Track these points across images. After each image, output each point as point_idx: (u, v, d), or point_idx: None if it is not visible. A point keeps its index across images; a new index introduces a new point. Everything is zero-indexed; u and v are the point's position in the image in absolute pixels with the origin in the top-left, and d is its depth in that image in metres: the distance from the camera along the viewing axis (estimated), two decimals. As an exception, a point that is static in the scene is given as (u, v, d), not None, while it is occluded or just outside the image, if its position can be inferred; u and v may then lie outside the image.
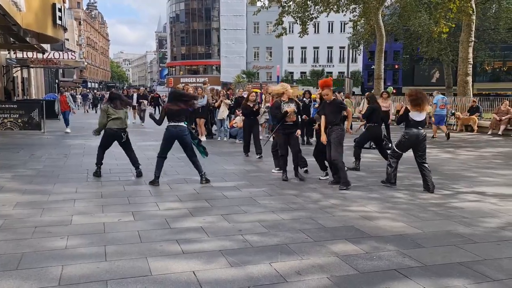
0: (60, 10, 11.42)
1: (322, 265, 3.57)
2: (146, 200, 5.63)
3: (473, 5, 19.43)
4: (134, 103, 17.77)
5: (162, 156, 6.63)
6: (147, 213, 5.03)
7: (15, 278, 3.21)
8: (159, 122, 6.69)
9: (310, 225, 4.66)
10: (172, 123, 6.49)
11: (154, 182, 6.55)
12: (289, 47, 54.88)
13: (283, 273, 3.38)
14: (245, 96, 12.34)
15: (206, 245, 3.98)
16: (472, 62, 20.42)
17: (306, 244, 4.05)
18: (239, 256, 3.71)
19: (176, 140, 6.57)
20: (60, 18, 11.42)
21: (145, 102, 18.75)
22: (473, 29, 19.89)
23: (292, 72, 55.61)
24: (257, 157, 9.27)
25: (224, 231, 4.39)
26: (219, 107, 12.45)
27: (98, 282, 3.17)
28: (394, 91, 25.95)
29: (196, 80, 58.04)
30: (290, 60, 56.49)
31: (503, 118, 15.43)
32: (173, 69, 65.71)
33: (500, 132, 15.27)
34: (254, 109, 9.55)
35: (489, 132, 15.71)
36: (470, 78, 20.10)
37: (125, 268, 3.43)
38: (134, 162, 7.21)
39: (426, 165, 6.45)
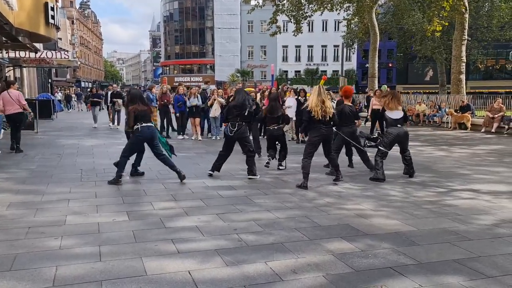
0: (52, 9, 11.32)
1: (318, 263, 3.57)
2: (141, 200, 5.60)
3: (466, 4, 19.54)
4: (108, 102, 16.25)
5: (127, 156, 6.58)
6: (142, 212, 5.01)
7: (9, 279, 3.18)
8: (131, 128, 6.49)
9: (306, 223, 4.66)
10: (145, 124, 6.41)
11: (118, 182, 6.41)
12: (283, 46, 54.90)
13: (278, 272, 3.38)
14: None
15: (201, 245, 3.96)
16: (465, 60, 20.54)
17: (302, 243, 4.05)
18: (234, 255, 3.70)
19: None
20: (53, 17, 11.32)
21: (120, 101, 15.13)
22: (466, 27, 20.00)
23: (287, 71, 55.63)
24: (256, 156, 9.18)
25: (220, 230, 4.38)
26: (211, 105, 12.41)
27: (92, 282, 3.15)
28: (388, 90, 26.03)
29: (190, 79, 57.93)
30: (285, 58, 56.50)
31: (496, 116, 15.52)
32: (167, 68, 65.48)
33: (493, 130, 15.37)
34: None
35: (483, 130, 15.80)
36: (463, 76, 20.22)
37: (120, 268, 3.41)
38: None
39: (407, 152, 7.17)
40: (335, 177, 6.85)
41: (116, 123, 15.94)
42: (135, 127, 6.40)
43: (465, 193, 6.20)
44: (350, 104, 7.47)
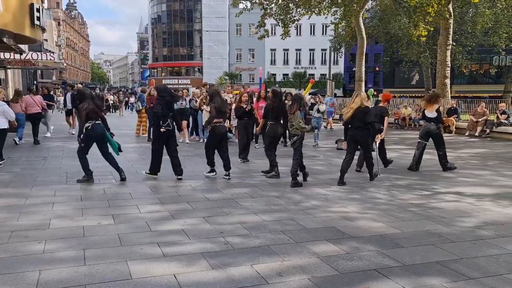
0: (38, 10, 11.19)
1: (303, 266, 3.59)
2: (127, 203, 5.56)
3: (451, 9, 19.87)
4: (69, 105, 14.19)
5: (83, 157, 6.71)
6: (128, 216, 4.98)
7: (-10, 284, 3.13)
8: (83, 127, 6.59)
9: (292, 226, 4.68)
10: (96, 122, 6.59)
11: (89, 179, 6.73)
12: (271, 49, 55.09)
13: (264, 275, 3.39)
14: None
15: (187, 248, 3.95)
16: (450, 65, 20.86)
17: (288, 246, 4.07)
18: (220, 258, 3.70)
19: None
20: (38, 19, 11.19)
21: None
22: (451, 32, 20.34)
23: (275, 74, 55.79)
24: (245, 160, 9.13)
25: (206, 233, 4.38)
26: (201, 109, 12.39)
27: (76, 286, 3.12)
28: (375, 93, 26.30)
29: (178, 81, 57.74)
30: (273, 62, 56.68)
31: (480, 119, 15.80)
32: (155, 70, 65.14)
33: (476, 134, 15.62)
34: (247, 109, 9.34)
35: (466, 134, 16.05)
36: (448, 81, 20.52)
37: (105, 272, 3.38)
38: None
39: (439, 151, 8.43)
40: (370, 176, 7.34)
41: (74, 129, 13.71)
42: (87, 124, 6.52)
43: (449, 196, 6.30)
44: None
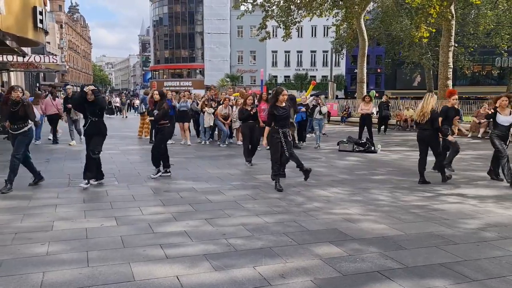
0: (41, 13, 11.24)
1: (306, 268, 3.59)
2: (129, 205, 5.57)
3: (453, 11, 19.87)
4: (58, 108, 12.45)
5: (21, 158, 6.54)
6: (130, 218, 4.98)
7: (-6, 286, 3.14)
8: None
9: (294, 228, 4.68)
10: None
11: (40, 180, 6.80)
12: (272, 51, 55.11)
13: (267, 277, 3.39)
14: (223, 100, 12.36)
15: (190, 249, 3.96)
16: (452, 66, 20.86)
17: (290, 247, 4.07)
18: (223, 260, 3.71)
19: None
20: (41, 21, 11.24)
21: None
22: (453, 34, 20.34)
23: (276, 76, 55.80)
24: (248, 164, 8.93)
25: (208, 235, 4.38)
26: (203, 110, 12.41)
27: (80, 288, 3.13)
28: (377, 95, 26.31)
29: (180, 83, 57.79)
30: (274, 63, 56.71)
31: (482, 121, 15.77)
32: (157, 72, 65.29)
33: (479, 135, 15.60)
34: (252, 112, 9.29)
35: (469, 135, 16.03)
36: (450, 82, 20.52)
37: (108, 273, 3.39)
38: (283, 164, 7.20)
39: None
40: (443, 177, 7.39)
41: (78, 137, 12.33)
42: (29, 126, 6.47)
43: (452, 198, 6.29)
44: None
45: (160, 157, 7.55)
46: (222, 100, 12.62)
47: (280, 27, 26.84)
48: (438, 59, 23.01)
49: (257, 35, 28.61)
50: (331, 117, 22.69)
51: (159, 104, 7.51)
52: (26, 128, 6.41)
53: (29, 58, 18.58)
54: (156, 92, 7.88)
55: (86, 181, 6.58)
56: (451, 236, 4.48)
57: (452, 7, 19.77)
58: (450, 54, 20.33)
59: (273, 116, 6.60)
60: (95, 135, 6.63)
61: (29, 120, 6.44)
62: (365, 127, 12.77)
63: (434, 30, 23.30)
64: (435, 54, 30.73)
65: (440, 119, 7.44)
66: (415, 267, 3.64)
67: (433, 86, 32.95)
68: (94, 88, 6.59)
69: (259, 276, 3.40)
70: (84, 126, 6.73)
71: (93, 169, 6.69)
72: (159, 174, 7.49)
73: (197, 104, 12.91)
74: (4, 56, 17.28)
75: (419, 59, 33.29)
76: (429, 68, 34.04)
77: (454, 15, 20.19)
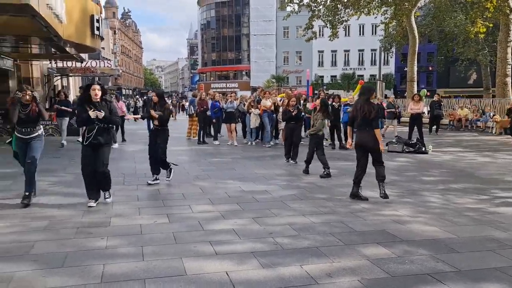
0: (98, 21, 11.86)
1: (353, 268, 3.59)
2: (180, 203, 5.79)
3: (511, 4, 18.79)
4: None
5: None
6: (181, 215, 5.19)
7: (62, 275, 3.42)
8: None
9: (341, 228, 4.68)
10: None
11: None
12: (319, 51, 54.59)
13: (314, 275, 3.43)
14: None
15: (238, 247, 4.08)
16: (511, 63, 19.73)
17: (337, 247, 4.07)
18: (270, 258, 3.79)
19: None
20: (98, 29, 11.86)
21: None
22: (512, 28, 19.23)
23: (322, 76, 55.22)
24: (292, 162, 9.21)
25: (255, 234, 4.48)
26: (249, 111, 12.58)
27: (136, 280, 3.33)
28: (428, 94, 25.33)
29: (226, 85, 58.72)
30: (320, 63, 56.16)
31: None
32: (204, 75, 66.75)
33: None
34: (294, 114, 9.34)
35: (530, 135, 15.06)
36: (509, 79, 19.43)
37: (161, 268, 3.57)
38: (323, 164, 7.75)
39: None
40: None
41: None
42: (42, 129, 5.94)
43: (509, 201, 5.99)
44: None
45: (160, 163, 7.03)
46: (261, 95, 13.14)
47: (327, 27, 26.55)
48: (495, 55, 21.80)
49: (303, 36, 28.47)
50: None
51: (160, 105, 6.92)
52: (40, 132, 5.72)
53: (86, 63, 19.67)
54: (154, 93, 7.36)
55: (94, 200, 5.60)
56: (507, 240, 4.29)
57: (510, 1, 18.69)
58: (509, 50, 19.23)
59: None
60: (104, 145, 5.57)
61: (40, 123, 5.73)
62: (415, 127, 12.39)
63: (491, 25, 22.11)
64: (492, 50, 29.13)
65: None
66: (468, 270, 3.54)
67: (491, 84, 31.23)
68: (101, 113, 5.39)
69: (306, 275, 3.44)
70: (88, 134, 5.48)
71: (107, 184, 5.77)
72: (156, 181, 7.02)
73: (244, 105, 13.12)
74: (65, 62, 18.44)
75: (475, 55, 31.66)
76: (486, 65, 32.29)
77: (513, 8, 19.06)
